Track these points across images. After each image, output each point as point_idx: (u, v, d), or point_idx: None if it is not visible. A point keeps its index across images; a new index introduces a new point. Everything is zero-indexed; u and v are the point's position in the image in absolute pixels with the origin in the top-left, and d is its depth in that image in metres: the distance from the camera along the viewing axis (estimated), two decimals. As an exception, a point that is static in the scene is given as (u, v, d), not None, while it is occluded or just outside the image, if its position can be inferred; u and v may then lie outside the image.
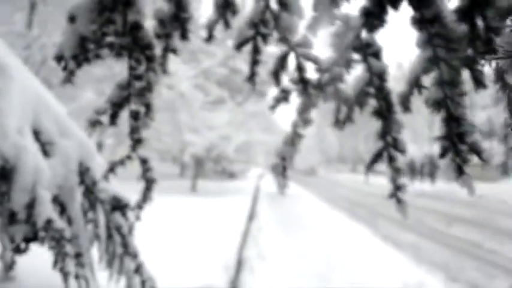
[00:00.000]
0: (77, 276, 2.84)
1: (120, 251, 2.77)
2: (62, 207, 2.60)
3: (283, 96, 1.05)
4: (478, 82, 0.79)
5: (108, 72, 12.78)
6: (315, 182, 35.65)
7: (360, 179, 35.79)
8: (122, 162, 1.18)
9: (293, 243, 9.26)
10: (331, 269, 7.16)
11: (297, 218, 13.48)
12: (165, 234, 7.50)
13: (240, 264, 7.08)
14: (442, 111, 0.79)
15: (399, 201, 1.00)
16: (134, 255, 2.64)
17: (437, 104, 0.79)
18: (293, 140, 1.07)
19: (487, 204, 16.94)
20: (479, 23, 0.75)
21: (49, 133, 2.22)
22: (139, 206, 1.20)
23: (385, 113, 0.93)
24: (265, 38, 1.03)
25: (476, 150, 0.81)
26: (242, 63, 21.10)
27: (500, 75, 0.72)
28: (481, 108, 32.25)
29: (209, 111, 15.92)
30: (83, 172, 2.48)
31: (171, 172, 29.42)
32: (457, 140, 0.79)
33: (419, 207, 16.45)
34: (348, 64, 0.96)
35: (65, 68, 1.12)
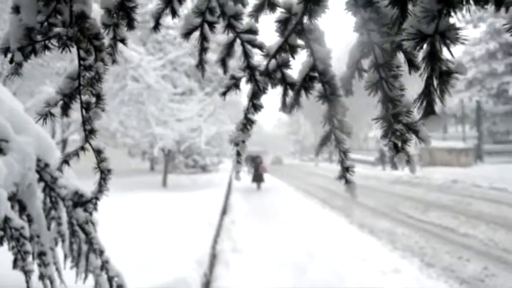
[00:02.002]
0: (41, 276, 2.83)
1: (85, 248, 2.78)
2: (22, 206, 2.59)
3: (233, 83, 1.10)
4: (411, 64, 0.85)
5: (69, 65, 12.53)
6: (288, 172, 35.97)
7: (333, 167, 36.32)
8: (76, 153, 1.20)
9: (269, 235, 9.38)
10: (309, 259, 7.29)
11: (271, 208, 13.62)
12: (135, 230, 7.48)
13: (213, 258, 7.14)
14: (379, 93, 0.86)
15: (347, 181, 1.06)
16: (100, 252, 2.65)
17: (373, 86, 0.85)
18: (245, 125, 1.13)
19: (461, 189, 17.46)
20: (410, 7, 0.80)
21: (2, 129, 2.20)
22: (96, 198, 1.23)
23: (330, 96, 0.99)
24: (212, 25, 1.08)
25: (413, 129, 0.88)
26: (210, 53, 20.94)
27: (408, 57, 0.79)
28: (454, 92, 33.14)
29: (178, 102, 15.82)
30: (42, 169, 2.48)
31: (141, 168, 29.18)
32: (393, 120, 0.85)
33: (394, 194, 16.87)
34: (293, 50, 1.02)
35: (11, 61, 1.14)
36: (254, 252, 7.86)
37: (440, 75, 0.59)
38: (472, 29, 32.65)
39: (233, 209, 13.73)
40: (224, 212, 12.82)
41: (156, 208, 10.75)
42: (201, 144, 14.91)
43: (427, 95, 0.59)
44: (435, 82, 0.58)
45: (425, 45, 0.57)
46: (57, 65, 13.55)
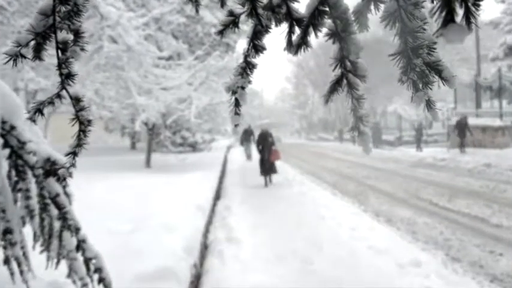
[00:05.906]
0: (6, 260, 2.89)
1: (58, 226, 2.83)
2: (-17, 176, 2.63)
3: (232, 21, 1.13)
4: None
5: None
6: (291, 153, 36.15)
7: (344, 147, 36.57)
8: (51, 101, 1.24)
9: (269, 224, 9.47)
10: (317, 250, 7.38)
11: (273, 193, 13.72)
12: (115, 215, 7.55)
13: (204, 248, 7.23)
14: (397, 24, 0.89)
15: (360, 133, 1.10)
16: (75, 230, 2.70)
17: (391, 16, 0.88)
18: (245, 69, 1.16)
19: (495, 173, 17.51)
20: None
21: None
22: (74, 153, 1.26)
23: (341, 33, 1.02)
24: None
25: (435, 68, 0.91)
26: (203, 9, 20.88)
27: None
28: (490, 60, 32.88)
29: (164, 68, 15.77)
30: (8, 132, 2.51)
31: (120, 145, 29.27)
32: (412, 55, 0.89)
33: (416, 178, 16.96)
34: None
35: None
36: (251, 242, 7.96)
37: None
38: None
39: (228, 193, 13.83)
40: (218, 196, 12.92)
41: (139, 192, 10.81)
42: (190, 117, 14.89)
43: (446, 3, 0.62)
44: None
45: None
46: (21, 22, 13.48)
